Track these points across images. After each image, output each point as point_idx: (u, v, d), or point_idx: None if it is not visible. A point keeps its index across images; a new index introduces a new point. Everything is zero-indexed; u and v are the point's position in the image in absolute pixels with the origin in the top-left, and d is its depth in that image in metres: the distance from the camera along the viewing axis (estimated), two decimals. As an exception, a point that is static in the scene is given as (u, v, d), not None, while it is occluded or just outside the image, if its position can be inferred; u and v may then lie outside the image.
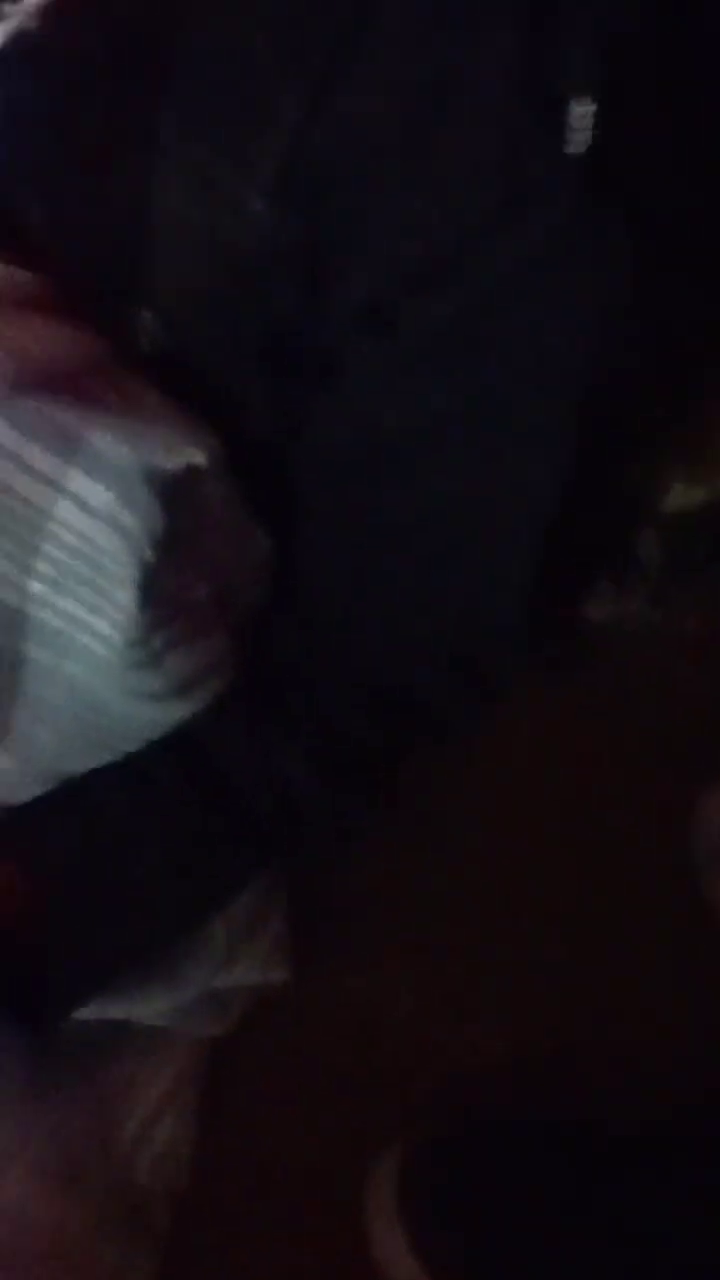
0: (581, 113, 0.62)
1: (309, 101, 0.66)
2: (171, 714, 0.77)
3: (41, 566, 0.72)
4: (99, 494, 0.71)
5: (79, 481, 0.71)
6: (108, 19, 0.71)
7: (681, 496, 0.90)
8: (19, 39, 0.71)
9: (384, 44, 0.64)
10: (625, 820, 1.08)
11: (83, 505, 0.71)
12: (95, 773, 0.79)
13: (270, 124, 0.67)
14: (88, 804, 0.79)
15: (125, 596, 0.71)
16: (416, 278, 0.68)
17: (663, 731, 1.10)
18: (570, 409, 0.71)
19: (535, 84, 0.62)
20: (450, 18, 0.63)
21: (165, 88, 0.70)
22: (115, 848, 0.80)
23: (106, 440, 0.71)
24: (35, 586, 0.72)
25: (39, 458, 0.71)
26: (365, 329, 0.71)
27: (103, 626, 0.72)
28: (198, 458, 0.73)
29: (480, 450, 0.73)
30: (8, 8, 0.71)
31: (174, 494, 0.72)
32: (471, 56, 0.63)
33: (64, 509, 0.71)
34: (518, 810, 1.08)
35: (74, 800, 0.79)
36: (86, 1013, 0.84)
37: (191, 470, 0.73)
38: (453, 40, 0.63)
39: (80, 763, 0.79)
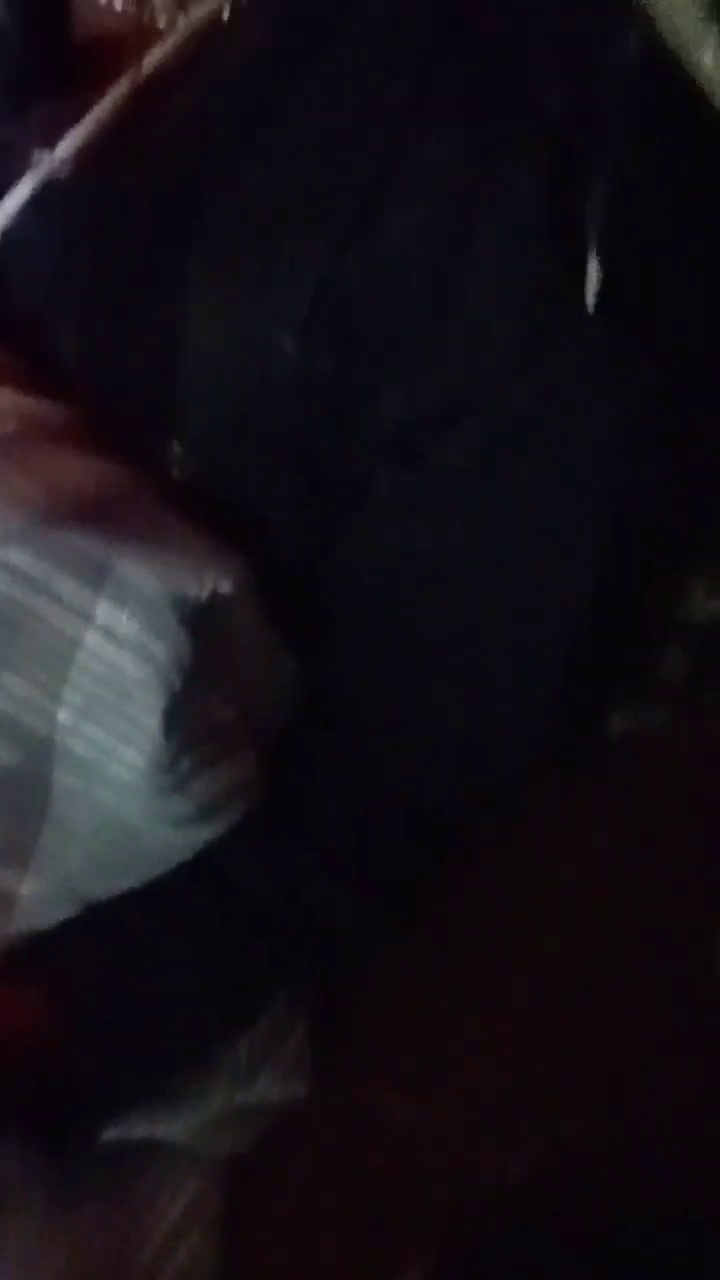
0: (596, 269, 0.64)
1: (337, 246, 0.68)
2: (198, 837, 0.78)
3: (70, 695, 0.73)
4: (126, 623, 0.73)
5: (107, 611, 0.73)
6: (138, 166, 0.73)
7: (704, 607, 0.91)
8: (50, 185, 0.73)
9: (410, 191, 0.66)
10: (648, 933, 1.08)
11: (110, 634, 0.73)
12: (121, 896, 0.80)
13: (299, 268, 0.69)
14: (113, 927, 0.80)
15: (153, 724, 0.73)
16: (440, 412, 0.70)
17: (686, 843, 1.10)
18: (596, 539, 0.72)
19: (555, 230, 0.64)
20: (472, 166, 0.65)
21: (194, 230, 0.72)
22: (141, 970, 0.80)
23: (134, 569, 0.73)
24: (63, 715, 0.74)
25: (69, 588, 0.73)
26: (392, 460, 0.73)
27: (130, 754, 0.73)
28: (225, 585, 0.74)
29: (507, 579, 0.75)
30: (37, 154, 0.73)
31: (201, 621, 0.74)
32: (493, 203, 0.65)
33: (92, 639, 0.73)
34: (538, 921, 1.09)
35: (100, 924, 0.80)
36: (110, 1134, 0.85)
37: (218, 598, 0.74)
38: (475, 188, 0.65)
39: (107, 887, 0.80)
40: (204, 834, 0.78)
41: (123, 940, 0.80)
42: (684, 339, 0.68)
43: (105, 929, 0.80)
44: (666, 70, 0.61)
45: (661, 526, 0.75)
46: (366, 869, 0.83)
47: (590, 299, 0.64)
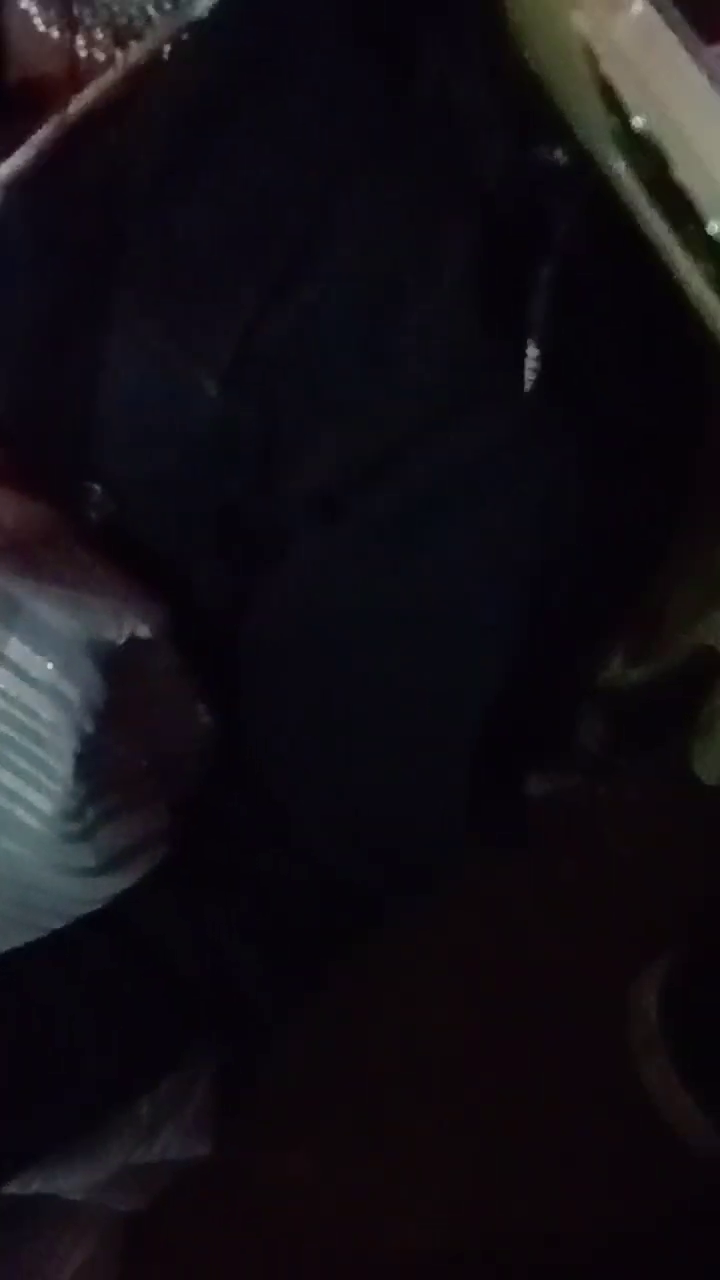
0: (535, 355, 0.64)
1: (268, 293, 0.67)
2: (103, 890, 0.76)
3: None
4: (39, 664, 0.71)
5: (19, 650, 0.71)
6: (68, 201, 0.72)
7: (624, 674, 0.91)
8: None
9: (345, 242, 0.66)
10: (564, 1000, 1.08)
11: (22, 675, 0.71)
12: (23, 948, 0.78)
13: (227, 312, 0.68)
14: (14, 982, 0.78)
15: (63, 768, 0.71)
16: (365, 469, 0.69)
17: (602, 909, 1.10)
18: (514, 605, 0.72)
19: (487, 296, 0.64)
20: (407, 222, 0.65)
21: (120, 267, 0.71)
22: (45, 1023, 0.79)
23: (50, 610, 0.71)
24: None
25: None
26: (314, 515, 0.72)
27: (38, 799, 0.72)
28: (142, 630, 0.73)
29: (423, 641, 0.74)
30: (-26, 182, 0.72)
31: (117, 665, 0.72)
32: (426, 264, 0.65)
33: (2, 677, 0.71)
34: (455, 988, 1.08)
35: (3, 978, 0.78)
36: (7, 1188, 0.83)
37: (136, 642, 0.73)
38: (410, 246, 0.65)
39: (7, 940, 0.78)
40: (109, 887, 0.76)
41: (23, 995, 0.79)
42: (611, 412, 0.68)
43: (6, 984, 0.78)
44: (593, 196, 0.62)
45: (580, 594, 0.75)
46: (274, 930, 0.82)
47: (528, 377, 0.63)
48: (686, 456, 0.73)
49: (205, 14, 0.69)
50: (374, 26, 0.65)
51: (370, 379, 0.67)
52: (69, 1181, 0.88)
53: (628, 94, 0.51)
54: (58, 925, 0.77)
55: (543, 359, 0.64)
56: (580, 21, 0.51)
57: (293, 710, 0.79)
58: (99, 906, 0.77)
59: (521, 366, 0.65)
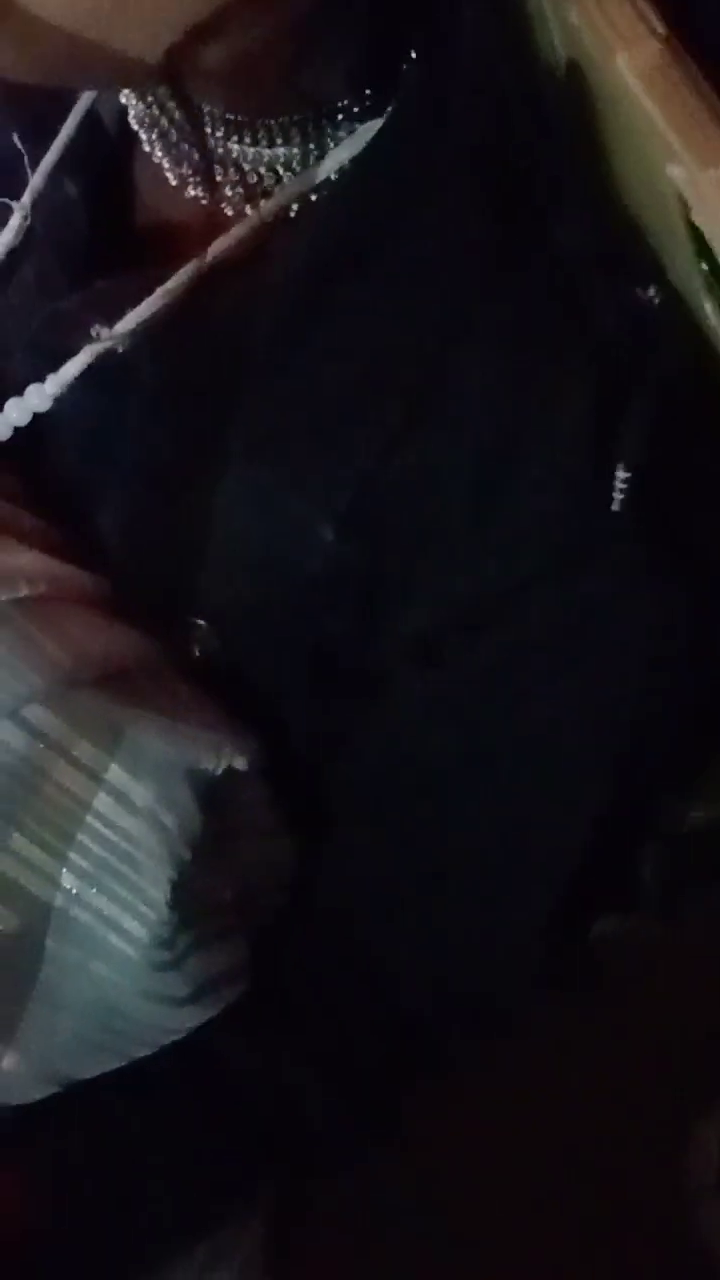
0: (623, 478, 0.65)
1: (384, 445, 0.69)
2: (188, 1020, 0.76)
3: (76, 858, 0.73)
4: (140, 791, 0.72)
5: (121, 777, 0.72)
6: (192, 349, 0.74)
7: (696, 816, 0.91)
8: (105, 359, 0.75)
9: (457, 400, 0.68)
10: (623, 1145, 1.07)
11: (123, 800, 0.72)
12: (103, 1078, 0.78)
13: (344, 460, 0.70)
14: (94, 1111, 0.78)
15: (159, 895, 0.72)
16: (468, 617, 0.71)
17: (662, 1051, 1.09)
18: (612, 756, 0.73)
19: (598, 450, 0.65)
20: (525, 384, 0.67)
21: (241, 410, 0.73)
22: (119, 1157, 0.78)
23: (151, 738, 0.73)
24: (68, 880, 0.73)
25: (83, 749, 0.72)
26: (414, 659, 0.73)
27: (133, 925, 0.72)
28: (239, 762, 0.74)
29: (516, 792, 0.75)
30: (95, 328, 0.75)
31: (213, 795, 0.73)
32: (539, 421, 0.66)
33: (103, 802, 0.72)
34: (514, 1130, 1.07)
35: (80, 1106, 0.78)
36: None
37: (232, 773, 0.74)
38: (526, 405, 0.67)
39: (89, 1067, 0.78)
40: (191, 1017, 0.76)
41: (102, 1123, 0.78)
42: (715, 558, 0.69)
43: (85, 1110, 0.78)
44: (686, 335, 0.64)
45: (678, 747, 0.76)
46: (345, 1069, 0.82)
47: (616, 498, 0.65)
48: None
49: (334, 175, 0.72)
50: (494, 184, 0.67)
51: (478, 530, 0.69)
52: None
53: (717, 244, 0.55)
54: (142, 1054, 0.77)
55: (641, 500, 0.65)
56: (674, 172, 0.54)
57: (381, 852, 0.80)
58: (182, 1036, 0.77)
59: (627, 525, 0.66)
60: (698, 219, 0.54)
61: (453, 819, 0.76)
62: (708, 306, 0.59)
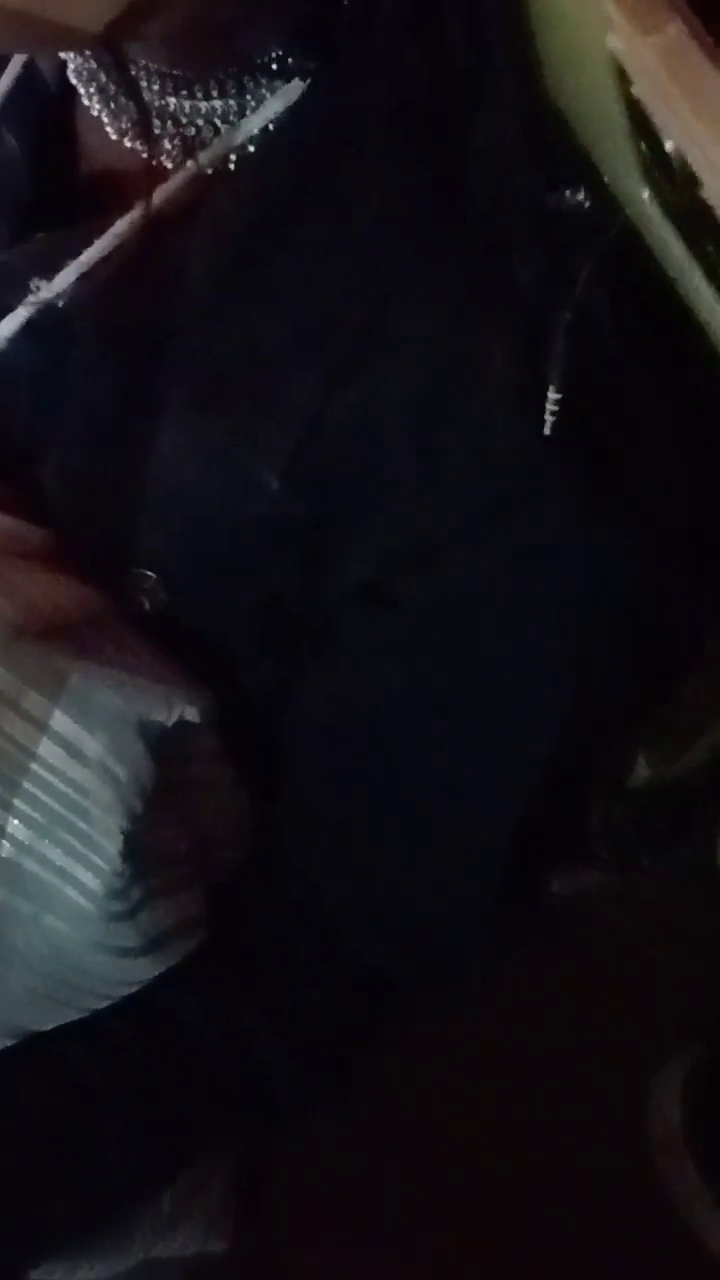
0: (554, 398, 0.65)
1: (325, 393, 0.69)
2: (141, 971, 0.77)
3: (24, 807, 0.73)
4: (91, 743, 0.72)
5: (71, 728, 0.72)
6: (131, 301, 0.74)
7: (646, 770, 0.92)
8: (45, 313, 0.75)
9: (397, 348, 0.68)
10: (587, 1101, 1.07)
11: (73, 752, 0.72)
12: (59, 1030, 0.78)
13: (285, 409, 0.70)
14: (52, 1062, 0.78)
15: (111, 846, 0.72)
16: (414, 560, 0.71)
17: (625, 1009, 1.10)
18: (560, 692, 0.73)
19: (527, 395, 0.66)
20: (458, 328, 0.67)
21: (182, 360, 0.73)
22: (74, 1107, 0.79)
23: (101, 690, 0.73)
24: (18, 831, 0.73)
25: (32, 701, 0.72)
26: (361, 603, 0.73)
27: (86, 876, 0.72)
28: (191, 713, 0.74)
29: (466, 731, 0.75)
30: (35, 282, 0.75)
31: (165, 747, 0.74)
32: (471, 369, 0.67)
33: (53, 753, 0.72)
34: (478, 1087, 1.07)
35: (38, 1058, 0.78)
36: (28, 1278, 0.82)
37: (184, 725, 0.74)
38: (456, 353, 0.67)
39: (44, 1019, 0.78)
40: (148, 968, 0.77)
41: (54, 1077, 0.79)
42: (656, 502, 0.69)
43: (40, 1062, 0.78)
44: (615, 239, 0.63)
45: (625, 686, 0.76)
46: (301, 1021, 0.82)
47: (547, 419, 0.65)
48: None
49: (270, 127, 0.72)
50: (427, 120, 0.67)
51: (421, 474, 0.69)
52: (90, 1273, 0.87)
53: (658, 116, 0.52)
54: (98, 1006, 0.77)
55: (563, 405, 0.65)
56: (613, 43, 0.52)
57: (331, 798, 0.80)
58: (137, 988, 0.77)
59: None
60: (638, 91, 0.52)
61: (401, 764, 0.77)
62: (644, 193, 0.57)
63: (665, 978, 1.10)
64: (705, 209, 0.49)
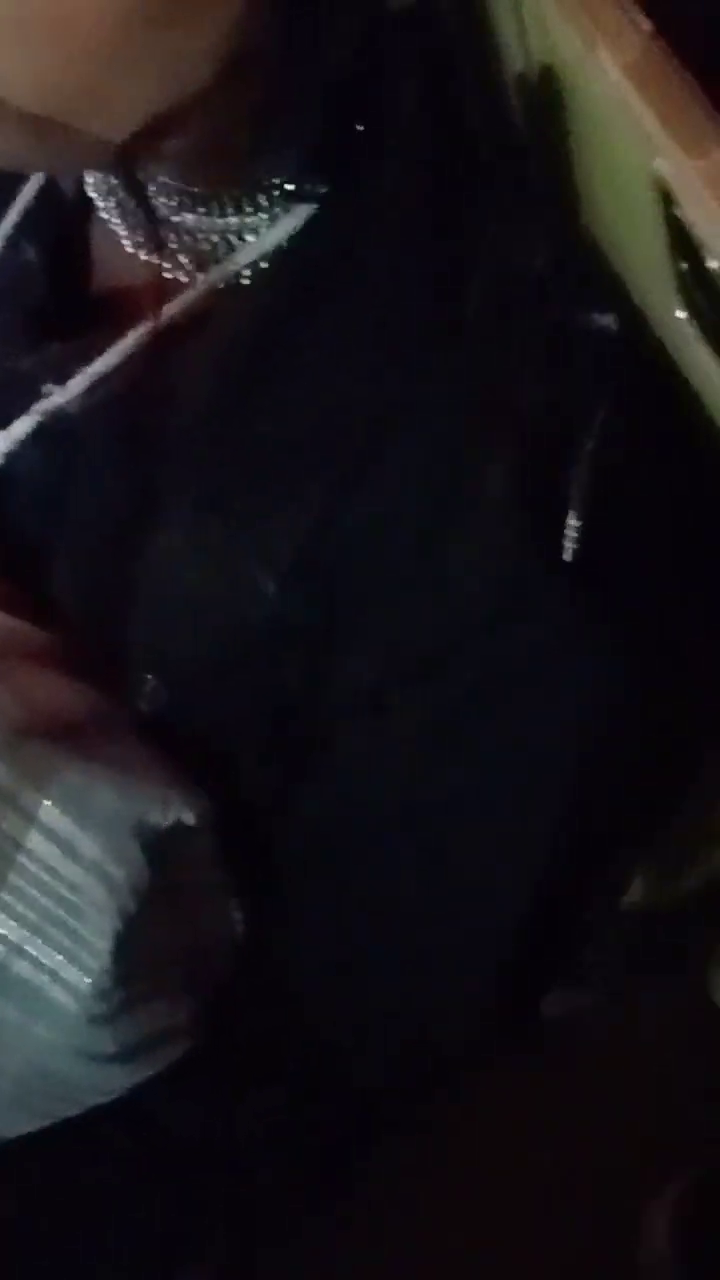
0: (575, 525, 0.66)
1: (327, 502, 0.70)
2: (116, 1080, 0.76)
3: (14, 904, 0.72)
4: (87, 842, 0.73)
5: (68, 828, 0.73)
6: (142, 408, 0.76)
7: (641, 896, 0.91)
8: (57, 418, 0.76)
9: (406, 450, 0.69)
10: (577, 1221, 1.06)
11: (69, 850, 0.72)
12: (41, 1134, 0.77)
13: (287, 516, 0.71)
14: (30, 1168, 0.77)
15: (103, 945, 0.72)
16: (413, 671, 0.72)
17: (615, 1129, 1.09)
18: (558, 809, 0.73)
19: (527, 513, 0.67)
20: (455, 439, 0.69)
21: (190, 466, 0.75)
22: (57, 1216, 0.78)
23: (100, 790, 0.73)
24: (9, 929, 0.72)
25: (29, 799, 0.73)
26: (360, 714, 0.74)
27: (74, 975, 0.72)
28: (188, 816, 0.75)
29: (456, 849, 0.75)
30: (48, 387, 0.77)
31: (161, 849, 0.74)
32: (472, 479, 0.68)
33: (48, 851, 0.72)
34: (467, 1204, 1.06)
35: (15, 1164, 0.77)
36: None
37: (180, 828, 0.75)
38: (457, 462, 0.68)
39: (21, 1125, 0.77)
40: (124, 1077, 0.76)
41: (39, 1180, 0.78)
42: (655, 623, 0.70)
43: (20, 1167, 0.78)
44: (642, 363, 0.64)
45: (622, 804, 0.76)
46: (291, 1134, 0.81)
47: (567, 549, 0.66)
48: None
49: (284, 243, 0.74)
50: (435, 242, 0.69)
51: (420, 586, 0.70)
52: None
53: (704, 235, 0.54)
54: (70, 1113, 0.76)
55: (583, 534, 0.66)
56: (660, 166, 0.54)
57: (324, 911, 0.80)
58: (110, 1098, 0.76)
59: (563, 580, 0.67)
60: (681, 212, 0.54)
61: (395, 877, 0.77)
62: (679, 312, 0.59)
63: (657, 1105, 1.08)
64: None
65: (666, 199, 0.54)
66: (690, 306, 0.58)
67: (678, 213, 0.54)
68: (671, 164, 0.53)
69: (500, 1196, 1.05)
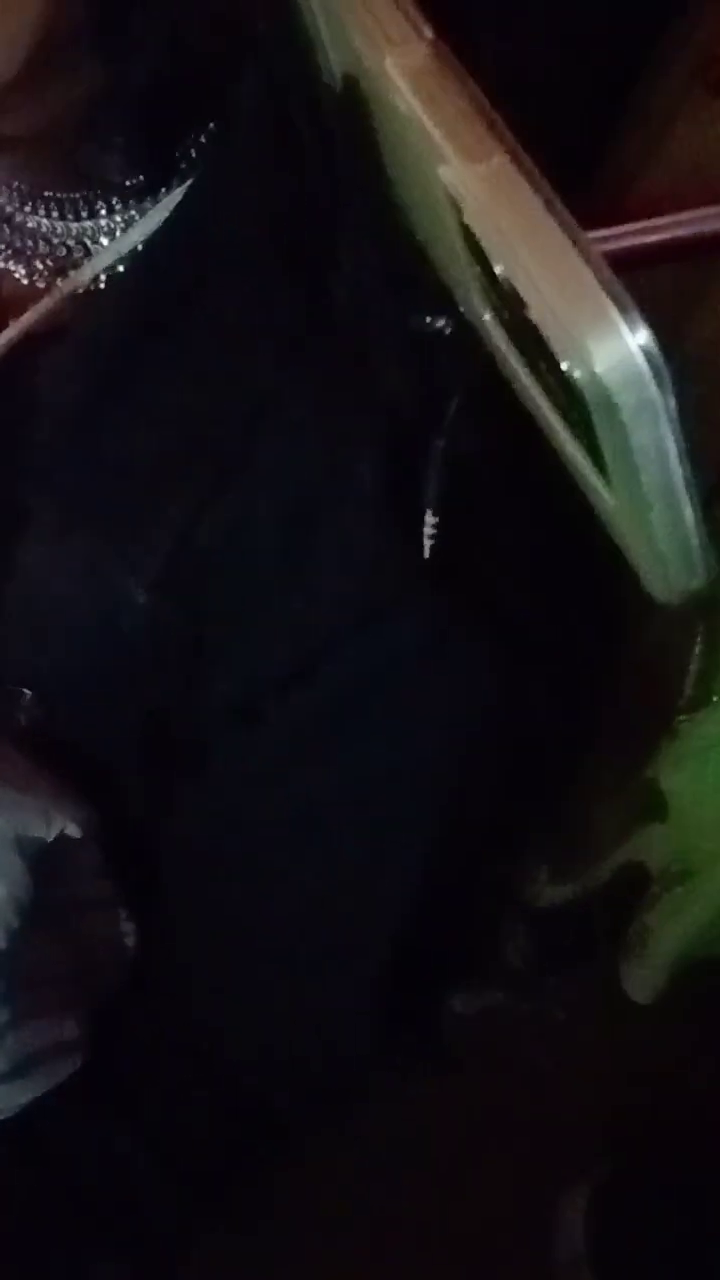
0: (432, 523, 0.66)
1: (194, 510, 0.70)
2: (7, 1099, 0.75)
3: None
4: None
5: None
6: (5, 417, 0.75)
7: (550, 890, 0.91)
8: None
9: (264, 466, 0.69)
10: (491, 1221, 1.05)
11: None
12: None
13: (155, 525, 0.70)
14: None
15: (-16, 964, 0.71)
16: (285, 676, 0.71)
17: (530, 1128, 1.08)
18: (428, 811, 0.73)
19: (393, 510, 0.67)
20: (323, 450, 0.68)
21: (52, 479, 0.74)
22: None
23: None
24: None
25: None
26: (234, 723, 0.73)
27: None
28: (71, 829, 0.74)
29: (333, 852, 0.75)
30: None
31: (44, 863, 0.73)
32: (337, 484, 0.68)
33: None
34: (380, 1205, 1.05)
35: None
36: None
37: (64, 841, 0.74)
38: (321, 459, 0.68)
39: None
40: (15, 1095, 0.75)
41: None
42: (519, 618, 0.70)
43: None
44: (480, 363, 0.64)
45: (495, 802, 0.76)
46: (179, 1147, 0.81)
47: (426, 544, 0.66)
48: (599, 657, 0.75)
49: (140, 247, 0.73)
50: (291, 240, 0.69)
51: (290, 588, 0.70)
52: None
53: (486, 240, 0.53)
54: None
55: (440, 555, 0.66)
56: (445, 174, 0.53)
57: (207, 920, 0.80)
58: (3, 1118, 0.75)
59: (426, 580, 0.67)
60: (468, 219, 0.53)
61: (274, 885, 0.77)
62: (486, 315, 0.58)
63: (569, 1100, 1.08)
64: (533, 329, 0.50)
65: (456, 206, 0.53)
66: (492, 307, 0.57)
67: (465, 220, 0.53)
68: (454, 170, 0.52)
69: (414, 1197, 1.05)
